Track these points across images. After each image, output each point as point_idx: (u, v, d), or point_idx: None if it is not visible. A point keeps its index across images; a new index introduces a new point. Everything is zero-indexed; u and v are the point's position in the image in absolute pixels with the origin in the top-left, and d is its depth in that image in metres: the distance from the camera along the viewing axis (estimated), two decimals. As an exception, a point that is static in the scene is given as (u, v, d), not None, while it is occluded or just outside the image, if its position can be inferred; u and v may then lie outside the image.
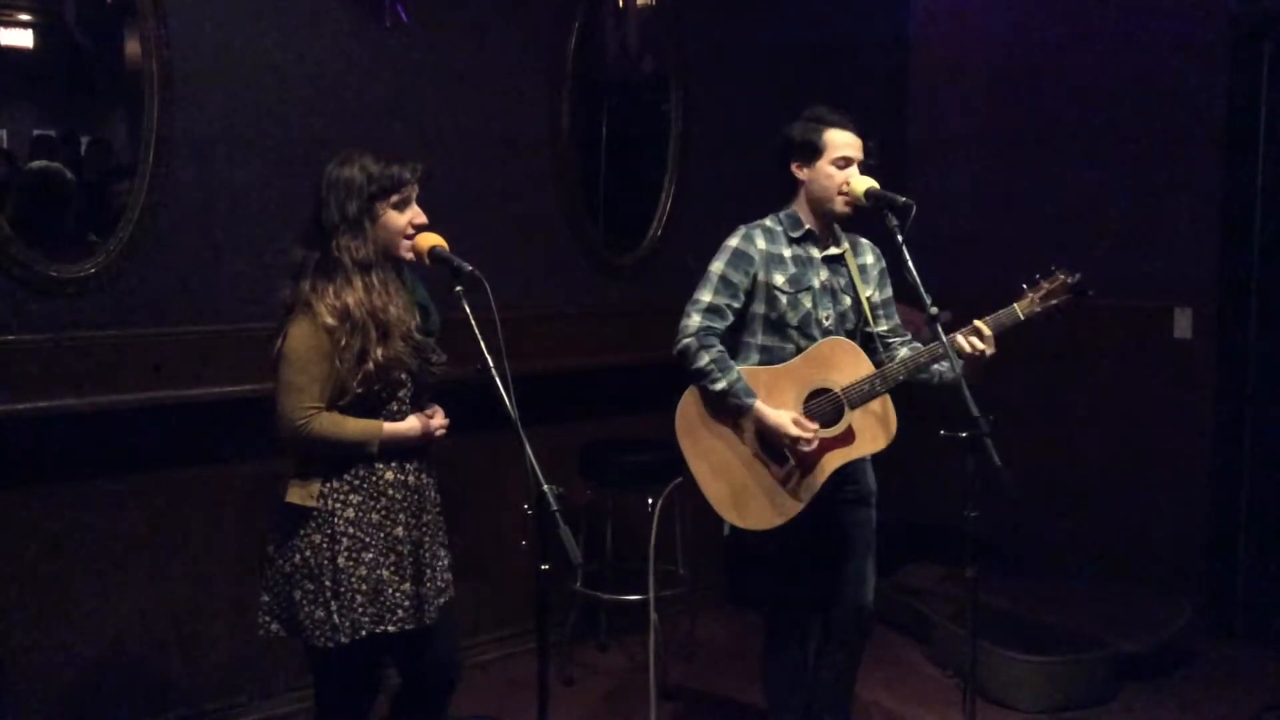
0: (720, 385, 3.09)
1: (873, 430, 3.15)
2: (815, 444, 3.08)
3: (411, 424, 2.67)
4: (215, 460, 3.67)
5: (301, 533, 2.63)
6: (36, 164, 3.48)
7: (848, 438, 3.14)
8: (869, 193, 3.10)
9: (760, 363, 3.18)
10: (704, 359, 3.10)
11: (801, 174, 3.19)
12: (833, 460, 3.14)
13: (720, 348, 3.13)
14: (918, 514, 5.18)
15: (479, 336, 2.51)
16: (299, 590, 2.64)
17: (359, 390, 2.60)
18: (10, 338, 3.25)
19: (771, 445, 3.13)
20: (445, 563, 2.81)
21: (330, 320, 2.55)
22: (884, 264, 3.36)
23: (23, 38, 3.49)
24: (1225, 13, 4.64)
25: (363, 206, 2.61)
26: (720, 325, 3.15)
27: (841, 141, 3.15)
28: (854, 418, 3.13)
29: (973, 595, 3.03)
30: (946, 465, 2.98)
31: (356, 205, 2.61)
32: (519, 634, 4.36)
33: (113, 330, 3.42)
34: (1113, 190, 4.98)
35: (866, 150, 3.21)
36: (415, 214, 2.67)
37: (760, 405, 3.09)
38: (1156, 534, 4.88)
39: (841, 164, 3.14)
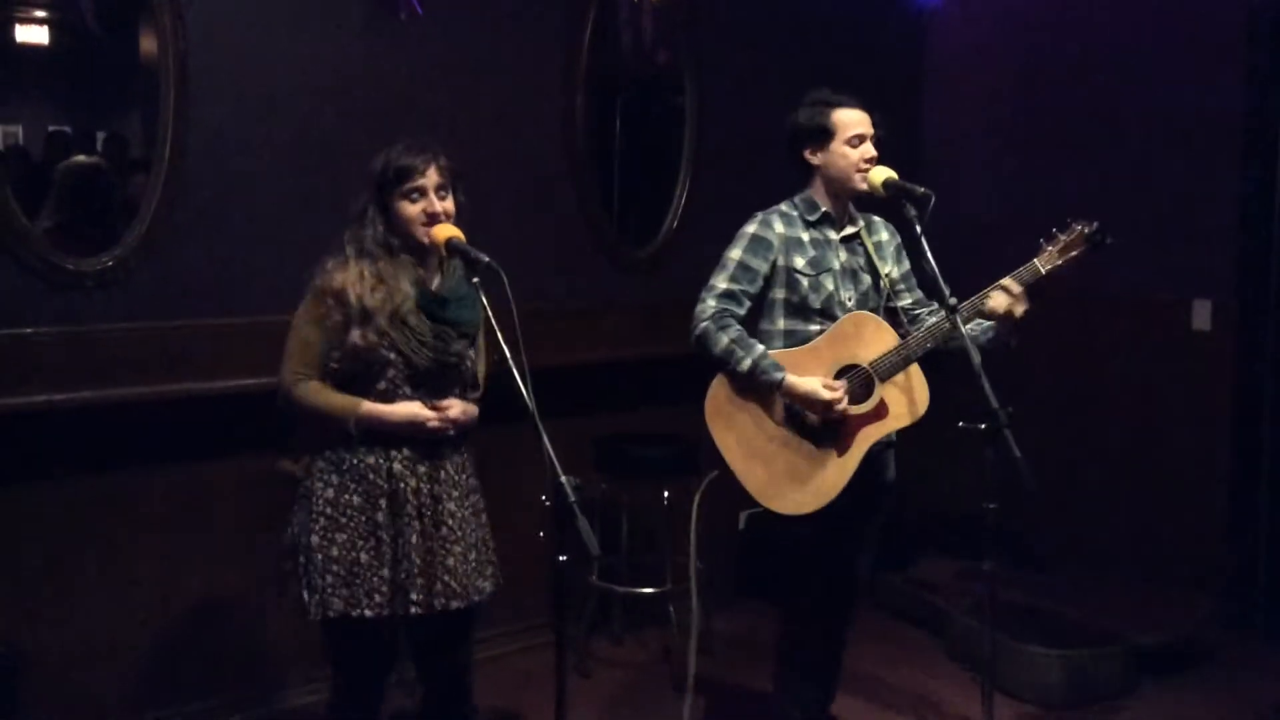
0: (746, 364, 3.05)
1: (905, 401, 3.13)
2: (845, 402, 3.06)
3: (396, 410, 2.65)
4: (232, 453, 3.68)
5: (294, 509, 2.74)
6: (79, 158, 3.52)
7: (881, 411, 3.12)
8: (887, 183, 3.09)
9: (784, 346, 3.17)
10: (724, 340, 3.07)
11: (816, 159, 3.19)
12: (868, 435, 3.12)
13: (739, 328, 3.11)
14: (935, 506, 5.16)
15: (496, 329, 2.52)
16: (287, 564, 2.73)
17: (335, 366, 2.65)
18: (28, 330, 3.26)
19: (805, 424, 3.11)
20: (462, 564, 2.75)
21: (321, 293, 2.65)
22: (899, 239, 3.35)
23: (39, 34, 3.51)
24: (1244, 5, 4.60)
25: (372, 196, 2.67)
26: (737, 310, 3.13)
27: (851, 120, 3.15)
28: (885, 391, 3.11)
29: (990, 588, 3.02)
30: (964, 457, 2.96)
31: (367, 195, 2.68)
32: (535, 626, 4.36)
33: (129, 323, 3.44)
34: (1131, 181, 4.94)
35: (875, 124, 3.19)
36: (428, 204, 2.65)
37: (790, 375, 3.05)
38: (1175, 527, 4.85)
39: (855, 142, 3.14)
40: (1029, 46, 5.30)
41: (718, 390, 3.15)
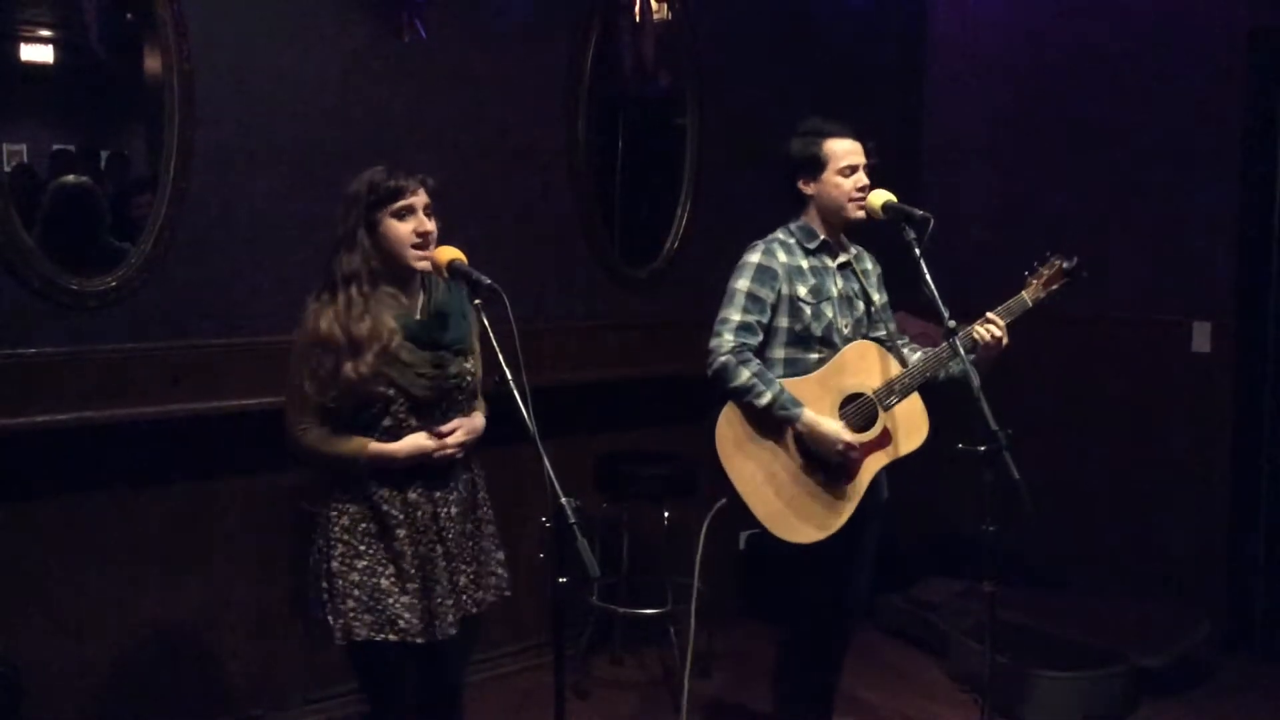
0: (766, 399, 3.07)
1: (908, 428, 3.17)
2: (858, 448, 3.12)
3: (401, 445, 2.64)
4: (232, 473, 3.68)
5: (313, 538, 2.74)
6: (68, 179, 3.49)
7: (885, 440, 3.16)
8: (886, 206, 3.12)
9: (784, 375, 3.18)
10: (744, 375, 3.08)
11: (809, 189, 3.22)
12: (874, 463, 3.16)
13: (758, 362, 3.12)
14: (935, 527, 5.16)
15: (497, 349, 2.52)
16: (311, 591, 2.73)
17: (332, 406, 2.62)
18: (31, 350, 3.27)
19: (815, 454, 3.13)
20: (469, 579, 2.77)
21: (306, 343, 2.63)
22: (880, 269, 3.41)
23: (44, 53, 3.52)
24: (1243, 25, 4.63)
25: (360, 217, 2.64)
26: (753, 341, 3.14)
27: (842, 150, 3.18)
28: (888, 419, 3.15)
29: (990, 609, 3.02)
30: (965, 478, 2.97)
31: (354, 217, 2.64)
32: (534, 647, 4.35)
33: (131, 343, 3.44)
34: (1130, 203, 4.97)
35: (867, 152, 3.23)
36: (420, 223, 2.64)
37: (809, 413, 3.09)
38: (1175, 547, 4.85)
39: (847, 172, 3.18)
40: (1028, 69, 5.32)
41: (728, 421, 3.14)
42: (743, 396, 3.08)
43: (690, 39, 4.83)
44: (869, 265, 3.37)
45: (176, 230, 3.52)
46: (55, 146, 3.60)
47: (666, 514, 4.17)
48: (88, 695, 3.46)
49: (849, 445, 3.09)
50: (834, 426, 3.09)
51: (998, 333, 3.11)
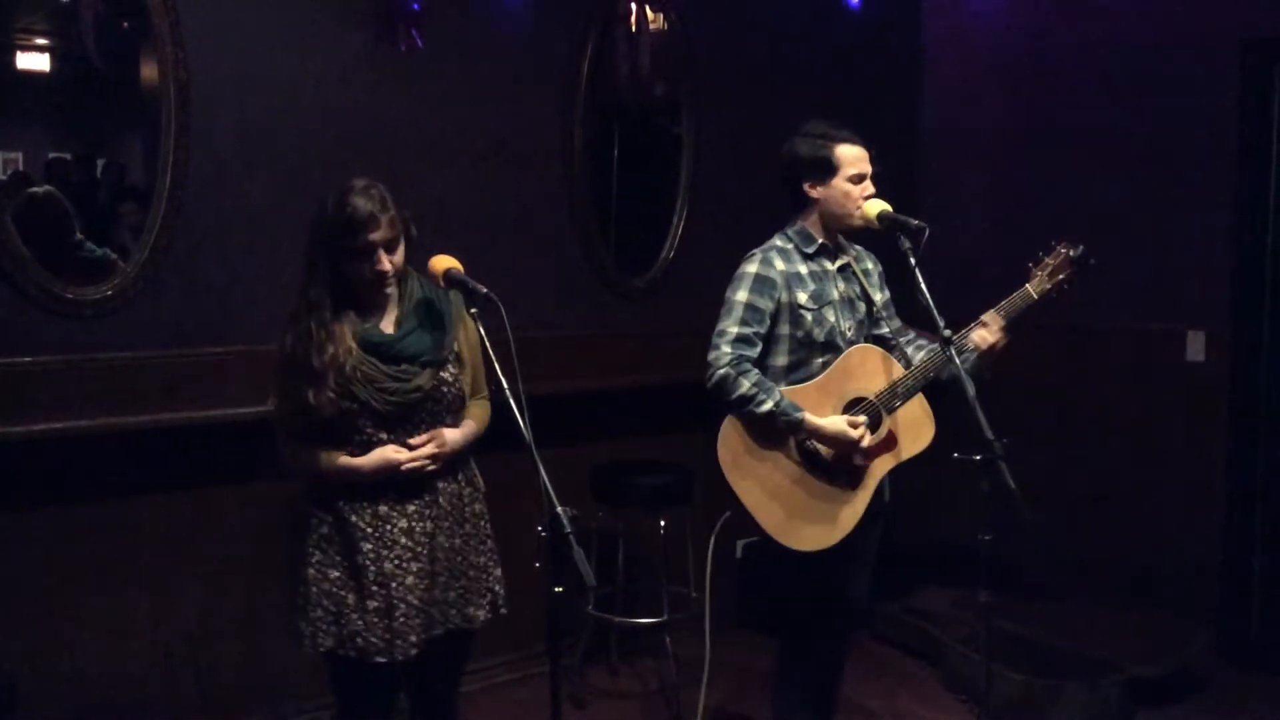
0: (767, 406, 3.04)
1: (913, 430, 3.16)
2: (868, 438, 3.09)
3: (367, 460, 2.65)
4: (229, 481, 3.68)
5: (296, 539, 2.75)
6: (35, 190, 3.42)
7: (891, 442, 3.15)
8: (882, 215, 3.11)
9: (789, 381, 3.16)
10: (745, 385, 3.05)
11: (815, 192, 3.19)
12: (880, 466, 3.15)
13: (757, 372, 3.09)
14: (931, 536, 5.16)
15: (493, 359, 2.53)
16: (290, 594, 2.75)
17: (303, 424, 2.65)
18: (26, 359, 3.27)
19: (819, 462, 3.12)
20: (458, 594, 2.77)
21: (278, 364, 2.67)
22: (881, 268, 3.40)
23: (40, 61, 3.53)
24: (1237, 34, 4.65)
25: (320, 248, 2.64)
26: (751, 353, 3.11)
27: (853, 157, 3.17)
28: (893, 421, 3.14)
29: (986, 619, 3.02)
30: (960, 488, 2.97)
31: (315, 246, 2.65)
32: (531, 657, 4.34)
33: (128, 352, 3.44)
34: (1125, 212, 4.98)
35: (871, 160, 3.22)
36: (379, 262, 2.62)
37: (810, 417, 3.07)
38: (1170, 558, 4.86)
39: (857, 179, 3.16)
40: (1024, 81, 5.34)
41: (730, 433, 3.11)
42: (744, 406, 3.06)
43: (686, 48, 4.84)
44: (870, 265, 3.36)
45: (173, 239, 3.52)
46: (51, 154, 3.60)
47: (663, 523, 4.17)
48: (82, 702, 3.44)
49: (858, 440, 3.05)
50: (838, 424, 3.06)
51: (990, 337, 3.11)
